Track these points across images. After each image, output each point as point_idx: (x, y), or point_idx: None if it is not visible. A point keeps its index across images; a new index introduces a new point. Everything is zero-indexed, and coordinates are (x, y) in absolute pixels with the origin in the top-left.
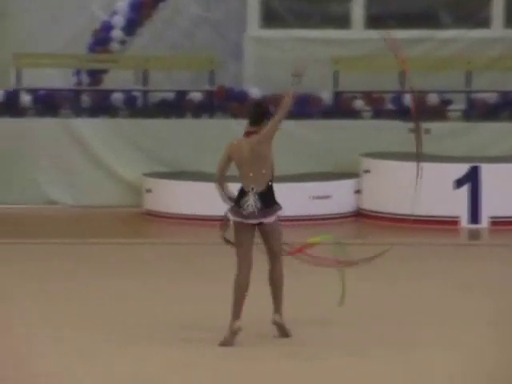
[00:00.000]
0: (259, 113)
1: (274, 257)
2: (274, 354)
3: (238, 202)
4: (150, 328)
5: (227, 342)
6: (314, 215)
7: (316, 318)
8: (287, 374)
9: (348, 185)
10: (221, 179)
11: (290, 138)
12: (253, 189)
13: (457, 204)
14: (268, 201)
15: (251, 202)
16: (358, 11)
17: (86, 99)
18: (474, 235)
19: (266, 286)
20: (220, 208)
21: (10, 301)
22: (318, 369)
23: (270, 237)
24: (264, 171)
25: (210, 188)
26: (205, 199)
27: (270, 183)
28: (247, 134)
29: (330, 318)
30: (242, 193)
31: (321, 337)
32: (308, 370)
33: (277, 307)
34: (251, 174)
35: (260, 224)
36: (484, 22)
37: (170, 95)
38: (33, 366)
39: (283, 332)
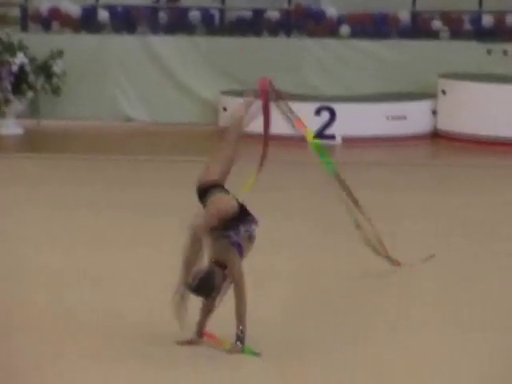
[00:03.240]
0: None
1: None
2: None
3: None
4: None
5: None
6: (390, 135)
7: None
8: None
9: (424, 105)
10: None
11: (367, 57)
12: None
13: None
14: None
15: None
16: None
17: (163, 16)
18: None
19: None
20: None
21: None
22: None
23: None
24: None
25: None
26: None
27: None
28: None
29: None
30: None
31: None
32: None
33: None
34: None
35: None
36: None
37: (247, 13)
38: None
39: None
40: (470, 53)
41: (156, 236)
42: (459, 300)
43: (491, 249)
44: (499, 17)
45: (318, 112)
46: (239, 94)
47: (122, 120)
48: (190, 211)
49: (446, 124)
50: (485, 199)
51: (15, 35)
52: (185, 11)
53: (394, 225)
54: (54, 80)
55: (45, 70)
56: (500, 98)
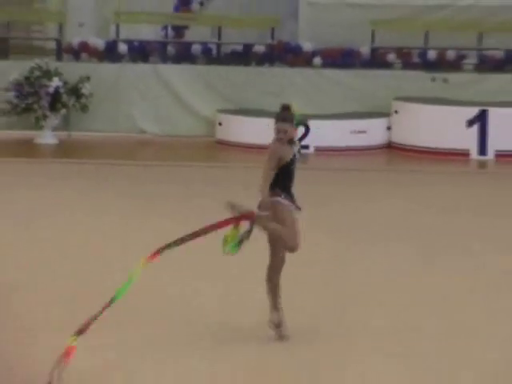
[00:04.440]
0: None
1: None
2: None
3: (288, 196)
4: None
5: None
6: (353, 146)
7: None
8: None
9: (381, 122)
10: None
11: (336, 83)
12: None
13: (468, 139)
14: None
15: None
16: None
17: (171, 49)
18: (482, 165)
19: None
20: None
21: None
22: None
23: None
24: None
25: (268, 122)
26: (265, 131)
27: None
28: (289, 140)
29: None
30: (289, 190)
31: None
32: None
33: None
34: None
35: None
36: None
37: (239, 47)
38: None
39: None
40: (418, 80)
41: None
42: None
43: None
44: (441, 52)
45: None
46: (231, 111)
47: (137, 132)
48: (195, 203)
49: (399, 137)
50: (428, 199)
51: (52, 64)
52: (188, 45)
53: (355, 211)
54: (83, 100)
55: (75, 91)
56: (442, 117)
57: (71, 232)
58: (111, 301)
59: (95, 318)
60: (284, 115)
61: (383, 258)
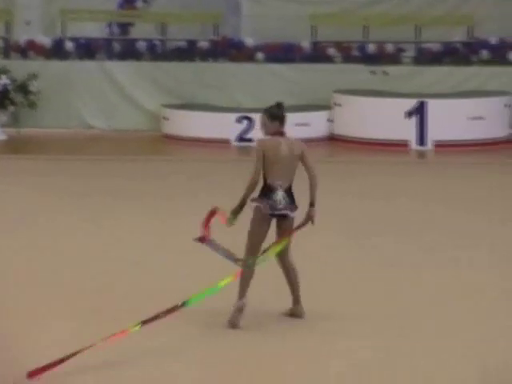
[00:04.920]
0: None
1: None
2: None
3: (265, 195)
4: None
5: (233, 321)
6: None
7: None
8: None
9: (322, 115)
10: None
11: (278, 77)
12: (280, 186)
13: (407, 130)
14: (291, 198)
15: (280, 197)
16: None
17: (116, 46)
18: (421, 155)
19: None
20: (220, 131)
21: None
22: None
23: (285, 229)
24: (291, 172)
25: (213, 116)
26: (209, 125)
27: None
28: (280, 133)
29: None
30: (269, 188)
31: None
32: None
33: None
34: (281, 172)
35: (281, 217)
36: None
37: (183, 43)
38: None
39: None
40: (358, 73)
41: (117, 216)
42: None
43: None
44: (380, 45)
45: (239, 120)
46: (176, 106)
47: (85, 128)
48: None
49: (340, 129)
50: (367, 189)
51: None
52: (133, 42)
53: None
54: (31, 97)
55: (23, 88)
56: (381, 109)
57: (20, 228)
58: (182, 305)
59: (160, 316)
60: (267, 108)
61: (321, 249)
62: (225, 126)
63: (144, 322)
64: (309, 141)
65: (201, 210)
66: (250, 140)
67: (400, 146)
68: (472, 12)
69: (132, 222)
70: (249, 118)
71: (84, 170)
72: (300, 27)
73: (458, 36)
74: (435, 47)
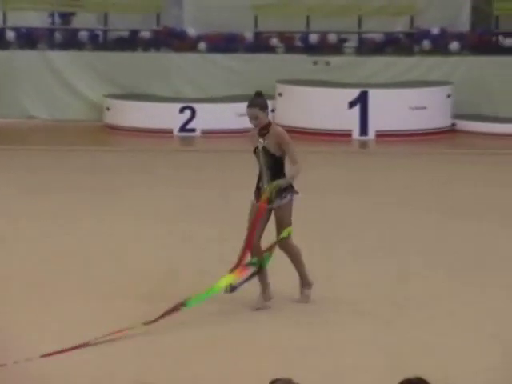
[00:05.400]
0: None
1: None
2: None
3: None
4: None
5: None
6: (239, 129)
7: None
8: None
9: None
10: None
11: (220, 67)
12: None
13: (350, 120)
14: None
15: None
16: None
17: (58, 36)
18: (363, 145)
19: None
20: (163, 122)
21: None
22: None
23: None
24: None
25: (156, 106)
26: (152, 115)
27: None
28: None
29: None
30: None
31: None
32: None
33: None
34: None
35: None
36: None
37: (125, 33)
38: None
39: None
40: (300, 64)
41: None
42: None
43: None
44: (323, 36)
45: (181, 110)
46: (119, 96)
47: (26, 118)
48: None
49: (282, 119)
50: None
51: None
52: (75, 31)
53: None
54: None
55: None
56: (324, 99)
57: None
58: (182, 305)
59: (163, 316)
60: (253, 100)
61: None
62: (167, 117)
63: (152, 321)
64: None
65: (141, 203)
66: (193, 130)
67: (343, 136)
68: (414, 2)
69: (66, 216)
70: (192, 109)
71: (25, 162)
72: (243, 17)
73: (399, 26)
74: (377, 37)
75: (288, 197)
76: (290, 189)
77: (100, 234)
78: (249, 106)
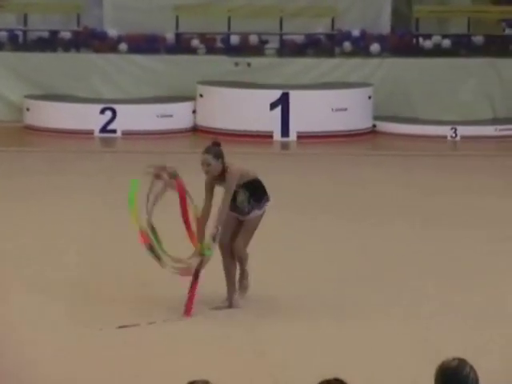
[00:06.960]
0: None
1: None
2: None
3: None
4: None
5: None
6: (160, 130)
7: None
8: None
9: (186, 106)
10: None
11: (141, 68)
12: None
13: (271, 122)
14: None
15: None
16: None
17: None
18: (285, 146)
19: None
20: (83, 123)
21: None
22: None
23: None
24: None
25: (76, 107)
26: (72, 116)
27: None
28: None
29: None
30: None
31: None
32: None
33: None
34: None
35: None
36: None
37: (45, 34)
38: None
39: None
40: (222, 65)
41: None
42: None
43: None
44: (244, 37)
45: (102, 111)
46: (39, 97)
47: None
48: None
49: (204, 121)
50: None
51: None
52: None
53: None
54: None
55: None
56: (245, 100)
57: None
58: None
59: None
60: (208, 148)
61: None
62: (88, 117)
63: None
64: (172, 132)
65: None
66: (114, 131)
67: (264, 137)
68: (335, 4)
69: None
70: (112, 110)
71: None
72: (164, 18)
73: (321, 28)
74: (298, 39)
75: (264, 207)
76: (265, 197)
77: None
78: (203, 152)
